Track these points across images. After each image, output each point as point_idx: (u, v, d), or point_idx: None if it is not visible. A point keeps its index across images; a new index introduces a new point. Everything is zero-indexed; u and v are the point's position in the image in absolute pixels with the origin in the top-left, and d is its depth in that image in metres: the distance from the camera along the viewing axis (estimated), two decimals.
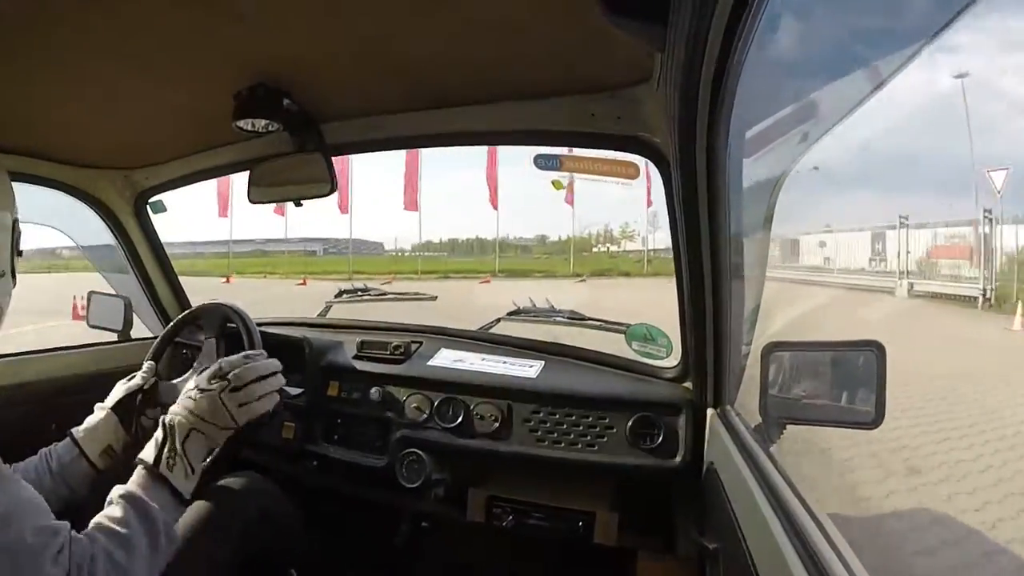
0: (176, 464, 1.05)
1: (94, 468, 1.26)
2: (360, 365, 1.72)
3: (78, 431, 1.29)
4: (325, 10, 1.00)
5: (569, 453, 1.43)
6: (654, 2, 0.72)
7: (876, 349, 0.92)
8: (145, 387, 1.36)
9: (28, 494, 0.91)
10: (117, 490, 1.01)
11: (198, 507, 1.23)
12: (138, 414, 1.33)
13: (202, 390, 1.14)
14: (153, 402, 1.36)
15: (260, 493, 1.36)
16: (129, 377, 1.41)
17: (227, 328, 1.56)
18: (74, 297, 8.34)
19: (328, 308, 2.20)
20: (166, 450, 1.06)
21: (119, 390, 1.36)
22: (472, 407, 1.53)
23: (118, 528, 0.95)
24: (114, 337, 2.08)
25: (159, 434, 1.09)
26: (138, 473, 1.05)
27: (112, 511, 0.98)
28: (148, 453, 1.07)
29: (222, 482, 1.36)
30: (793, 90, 0.94)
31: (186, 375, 1.43)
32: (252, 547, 1.27)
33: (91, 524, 0.95)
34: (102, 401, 1.37)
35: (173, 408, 1.13)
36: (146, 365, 1.41)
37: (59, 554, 0.85)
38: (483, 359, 1.67)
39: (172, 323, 1.64)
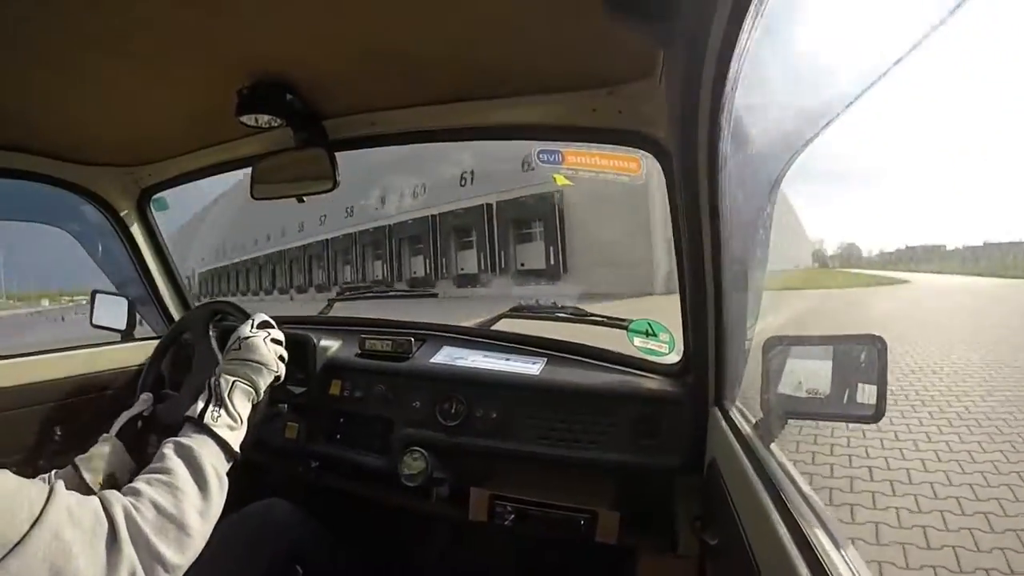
0: (221, 416, 1.09)
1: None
2: (362, 363, 1.72)
3: (80, 458, 1.23)
4: (326, 7, 1.01)
5: (571, 451, 1.43)
6: None
7: (877, 343, 0.92)
8: (145, 413, 1.36)
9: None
10: (165, 443, 1.01)
11: (223, 535, 1.24)
12: (142, 440, 1.32)
13: (246, 337, 1.23)
14: (156, 427, 1.34)
15: (289, 526, 1.36)
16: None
17: (218, 325, 1.56)
18: None
19: (330, 306, 2.20)
20: (211, 405, 1.09)
21: (121, 418, 1.33)
22: (474, 405, 1.53)
23: (164, 477, 0.93)
24: (117, 337, 2.09)
25: (204, 393, 1.12)
26: (184, 428, 1.06)
27: (158, 462, 0.97)
28: (193, 409, 1.09)
29: (251, 509, 1.38)
30: (796, 83, 0.94)
31: (183, 390, 1.43)
32: (276, 573, 1.28)
33: (138, 476, 0.93)
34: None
35: (218, 369, 1.19)
36: (142, 397, 1.39)
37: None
38: (485, 356, 1.67)
39: (156, 347, 1.64)
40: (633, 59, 1.14)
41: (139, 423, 1.34)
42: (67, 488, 1.00)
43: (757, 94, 0.85)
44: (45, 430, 1.80)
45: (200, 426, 1.06)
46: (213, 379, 1.15)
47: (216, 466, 1.00)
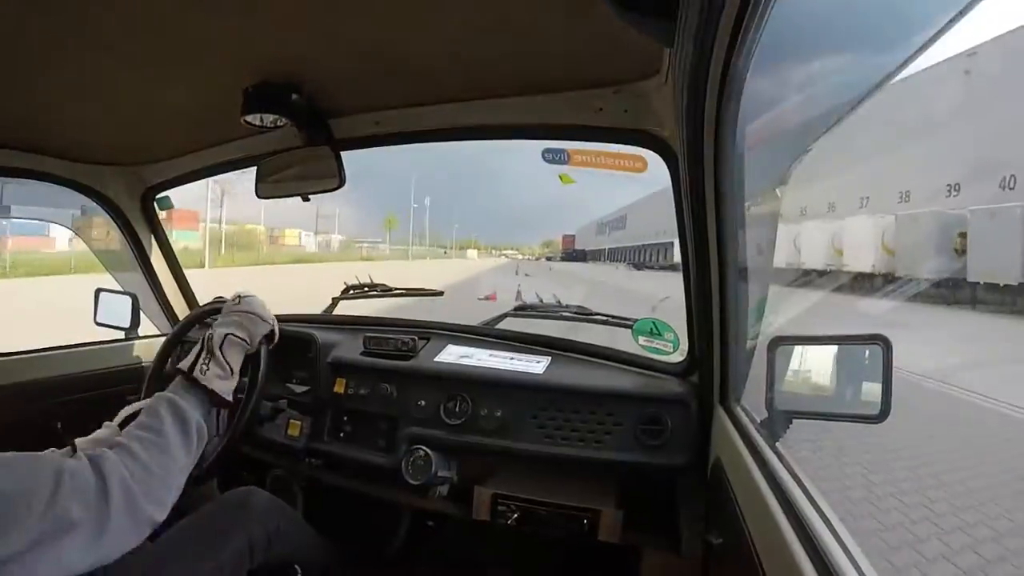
0: (209, 369, 1.17)
1: None
2: (367, 361, 1.72)
3: (80, 441, 1.23)
4: (331, 7, 1.01)
5: (575, 450, 1.43)
6: None
7: (882, 342, 0.92)
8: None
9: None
10: (158, 397, 1.11)
11: (201, 519, 1.29)
12: None
13: (244, 296, 1.34)
14: None
15: (267, 512, 1.37)
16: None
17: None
18: None
19: (334, 304, 2.21)
20: (201, 358, 1.19)
21: (127, 409, 1.33)
22: (478, 403, 1.53)
23: (156, 438, 1.02)
24: (121, 335, 2.10)
25: (197, 347, 1.21)
26: (176, 381, 1.16)
27: (151, 418, 1.06)
28: (185, 363, 1.19)
29: (230, 495, 1.39)
30: (801, 82, 0.94)
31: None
32: (254, 563, 1.30)
33: (132, 430, 1.03)
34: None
35: (215, 323, 1.30)
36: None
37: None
38: (490, 355, 1.67)
39: (160, 347, 1.63)
40: (639, 58, 1.15)
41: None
42: None
43: (764, 93, 0.84)
44: (49, 426, 1.81)
45: (190, 379, 1.15)
46: (208, 332, 1.24)
47: (200, 423, 1.11)
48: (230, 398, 1.19)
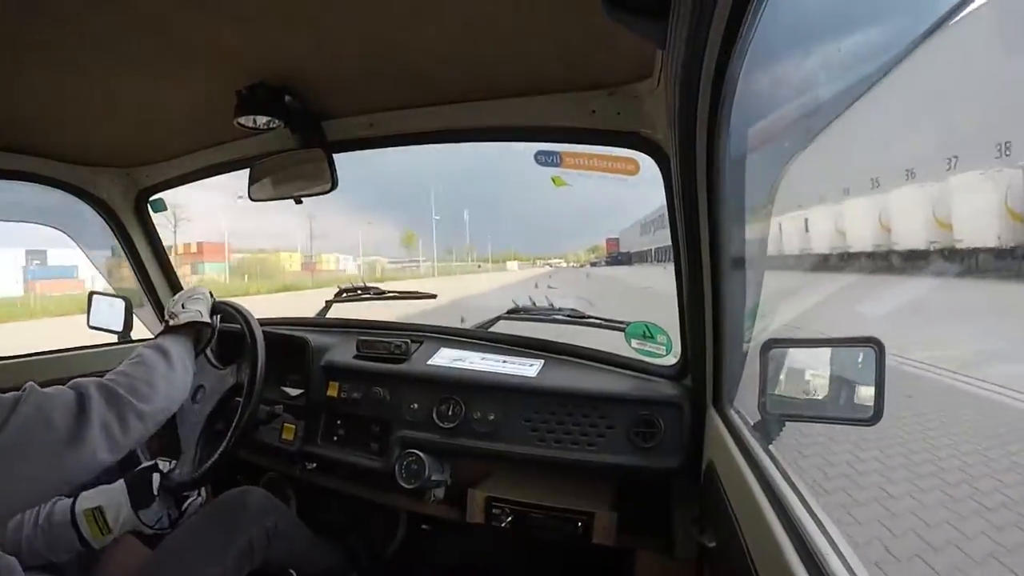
0: (176, 318, 1.32)
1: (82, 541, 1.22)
2: (360, 365, 1.72)
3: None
4: (326, 9, 1.01)
5: (569, 453, 1.43)
6: None
7: (875, 345, 0.92)
8: None
9: None
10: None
11: (199, 523, 1.29)
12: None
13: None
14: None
15: (264, 512, 1.37)
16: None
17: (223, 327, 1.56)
18: None
19: (328, 307, 2.20)
20: (170, 320, 1.33)
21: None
22: (471, 407, 1.53)
23: (135, 358, 1.14)
24: (114, 339, 2.09)
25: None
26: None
27: (134, 355, 1.16)
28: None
29: (226, 497, 1.38)
30: (794, 84, 0.94)
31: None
32: (255, 563, 1.30)
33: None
34: None
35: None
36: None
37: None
38: (483, 358, 1.66)
39: None
40: (632, 60, 1.15)
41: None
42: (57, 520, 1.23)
43: (756, 96, 0.85)
44: None
45: (165, 329, 1.31)
46: (166, 312, 1.37)
47: (183, 353, 1.23)
48: (207, 319, 1.36)
